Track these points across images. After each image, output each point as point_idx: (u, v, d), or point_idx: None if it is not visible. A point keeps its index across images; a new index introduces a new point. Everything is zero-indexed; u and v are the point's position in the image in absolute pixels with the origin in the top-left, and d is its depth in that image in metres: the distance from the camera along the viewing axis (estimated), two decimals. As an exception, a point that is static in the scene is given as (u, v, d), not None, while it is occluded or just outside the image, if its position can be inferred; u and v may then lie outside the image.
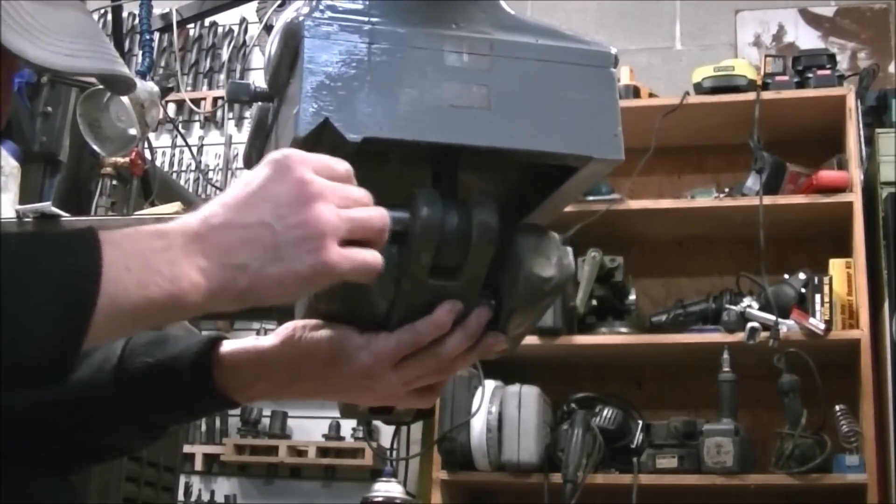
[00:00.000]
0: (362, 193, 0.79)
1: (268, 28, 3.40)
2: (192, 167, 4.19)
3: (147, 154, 2.33)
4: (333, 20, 0.81)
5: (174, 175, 4.07)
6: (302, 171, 0.75)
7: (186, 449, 3.60)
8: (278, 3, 3.28)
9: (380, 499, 2.85)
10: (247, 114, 4.11)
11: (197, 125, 4.32)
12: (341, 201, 0.77)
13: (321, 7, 0.82)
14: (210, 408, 0.98)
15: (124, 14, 3.27)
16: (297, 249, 0.74)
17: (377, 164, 0.87)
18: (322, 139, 0.80)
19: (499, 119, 0.82)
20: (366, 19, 0.82)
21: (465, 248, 0.82)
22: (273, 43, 0.86)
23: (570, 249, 0.89)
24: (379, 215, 0.78)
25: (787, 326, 2.93)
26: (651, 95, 3.38)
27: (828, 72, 3.21)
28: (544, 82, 0.84)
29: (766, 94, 3.17)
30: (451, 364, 0.89)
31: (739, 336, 2.94)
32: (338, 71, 0.80)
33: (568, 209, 3.51)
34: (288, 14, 0.85)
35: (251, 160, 1.03)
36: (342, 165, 0.78)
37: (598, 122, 0.85)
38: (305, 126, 0.78)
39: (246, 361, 0.93)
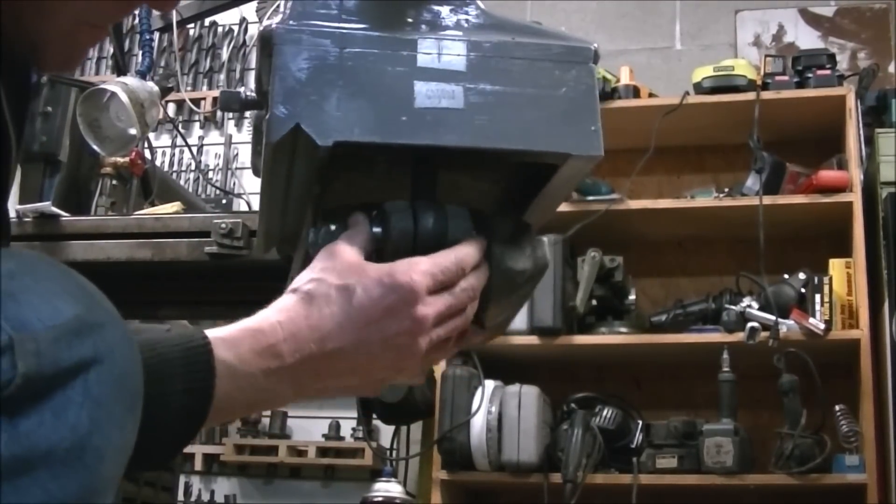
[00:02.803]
0: (467, 293, 0.84)
1: (268, 28, 3.41)
2: (192, 167, 4.19)
3: (147, 154, 2.33)
4: (304, 26, 0.82)
5: (174, 175, 4.07)
6: (421, 309, 0.81)
7: (186, 449, 3.60)
8: (278, 2, 3.28)
9: (379, 499, 2.85)
10: (247, 114, 4.11)
11: (197, 125, 4.32)
12: (448, 318, 0.84)
13: (293, 14, 0.82)
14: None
15: (124, 14, 3.25)
16: (389, 370, 0.84)
17: (365, 165, 0.87)
18: (297, 144, 0.80)
19: (472, 119, 0.82)
20: (337, 24, 0.82)
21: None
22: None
23: (545, 240, 0.91)
24: (463, 322, 0.86)
25: (787, 326, 2.93)
26: (651, 95, 3.38)
27: (828, 72, 3.21)
28: (521, 80, 0.84)
29: (766, 94, 3.17)
30: (428, 358, 0.92)
31: (739, 336, 2.94)
32: (308, 76, 0.80)
33: (567, 209, 3.49)
34: (265, 22, 0.85)
35: (258, 167, 1.04)
36: (454, 262, 0.83)
37: (576, 118, 0.85)
38: (276, 132, 0.79)
39: None
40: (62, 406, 0.57)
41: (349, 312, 0.79)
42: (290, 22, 0.82)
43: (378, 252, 0.83)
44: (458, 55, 0.84)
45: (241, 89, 0.96)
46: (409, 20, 0.85)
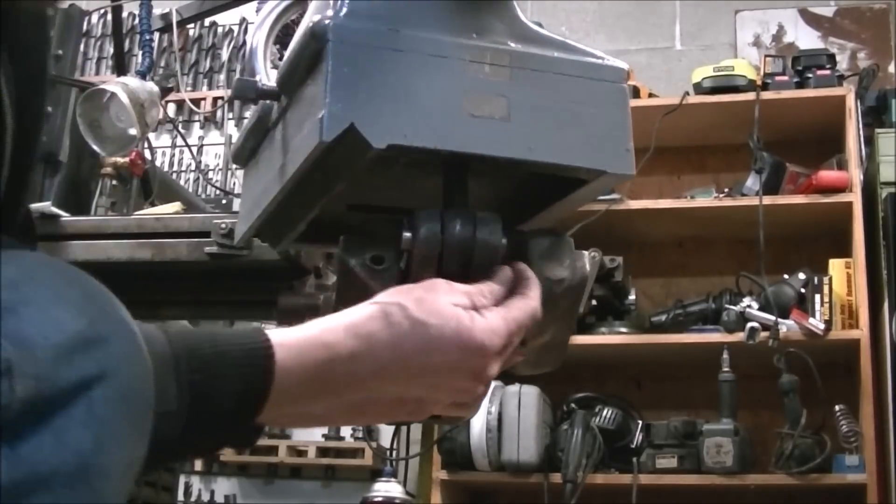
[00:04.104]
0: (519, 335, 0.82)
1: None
2: (192, 167, 4.19)
3: (147, 154, 2.33)
4: (359, 25, 0.81)
5: (174, 175, 4.07)
6: (488, 370, 0.79)
7: (186, 449, 3.60)
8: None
9: (379, 499, 2.85)
10: (247, 114, 4.11)
11: (197, 125, 4.32)
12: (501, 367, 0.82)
13: (346, 11, 0.82)
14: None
15: (124, 14, 3.26)
16: (436, 405, 0.82)
17: (382, 168, 0.87)
18: (341, 144, 0.80)
19: (518, 130, 0.82)
20: (390, 26, 0.82)
21: (468, 265, 0.83)
22: (294, 42, 0.85)
23: (585, 254, 0.90)
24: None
25: (787, 326, 2.93)
26: (651, 95, 3.38)
27: (827, 72, 3.22)
28: (560, 95, 0.85)
29: (766, 94, 3.17)
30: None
31: (739, 336, 2.94)
32: (362, 76, 0.79)
33: (568, 209, 3.41)
34: (312, 15, 0.84)
35: (241, 156, 1.02)
36: (530, 317, 0.82)
37: (611, 136, 0.85)
38: (331, 131, 0.78)
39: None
40: (64, 427, 0.55)
41: (418, 347, 0.77)
42: (343, 19, 0.81)
43: (408, 257, 0.83)
44: (503, 66, 0.84)
45: (257, 78, 0.95)
46: (458, 27, 0.85)
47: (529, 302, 0.82)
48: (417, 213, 0.83)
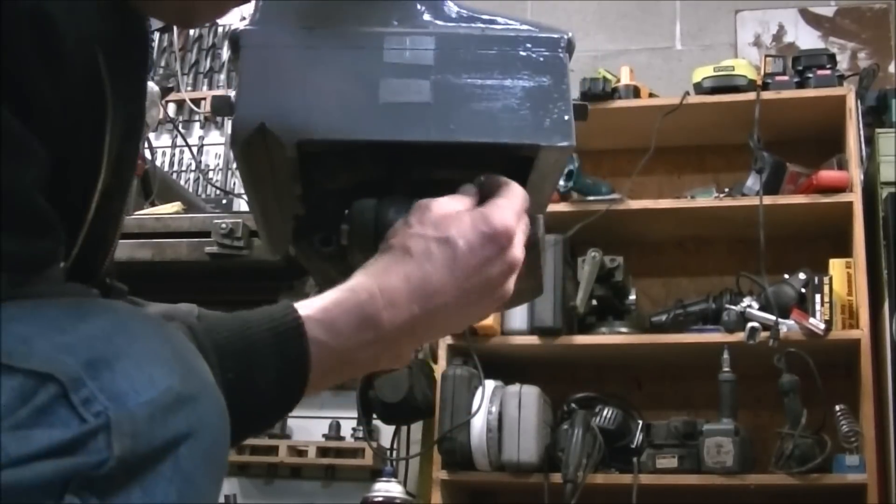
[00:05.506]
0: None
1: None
2: (192, 167, 4.19)
3: (147, 154, 2.33)
4: (271, 26, 0.82)
5: (174, 175, 4.06)
6: (514, 252, 0.80)
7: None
8: (278, 3, 3.28)
9: (380, 499, 2.85)
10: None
11: (197, 125, 4.32)
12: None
13: (259, 15, 0.83)
14: None
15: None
16: (480, 314, 0.84)
17: (346, 162, 0.87)
18: (265, 143, 0.80)
19: (440, 113, 0.82)
20: (304, 23, 0.82)
21: None
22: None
23: (540, 217, 0.89)
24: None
25: (787, 326, 2.93)
26: (651, 95, 3.38)
27: (828, 72, 3.21)
28: (490, 72, 0.84)
29: (766, 94, 3.17)
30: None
31: (739, 336, 2.94)
32: (273, 76, 0.80)
33: (567, 209, 3.47)
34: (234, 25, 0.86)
35: None
36: (526, 197, 0.83)
37: (547, 108, 0.83)
38: (241, 132, 0.79)
39: None
40: (152, 483, 0.57)
41: (452, 267, 0.78)
42: (255, 23, 0.82)
43: (348, 248, 0.84)
44: (426, 49, 0.83)
45: (232, 93, 0.96)
46: (376, 17, 0.85)
47: (513, 188, 0.83)
48: (353, 203, 0.84)
